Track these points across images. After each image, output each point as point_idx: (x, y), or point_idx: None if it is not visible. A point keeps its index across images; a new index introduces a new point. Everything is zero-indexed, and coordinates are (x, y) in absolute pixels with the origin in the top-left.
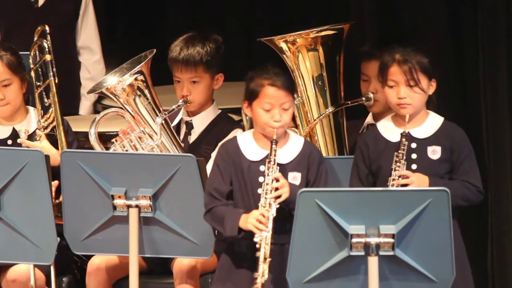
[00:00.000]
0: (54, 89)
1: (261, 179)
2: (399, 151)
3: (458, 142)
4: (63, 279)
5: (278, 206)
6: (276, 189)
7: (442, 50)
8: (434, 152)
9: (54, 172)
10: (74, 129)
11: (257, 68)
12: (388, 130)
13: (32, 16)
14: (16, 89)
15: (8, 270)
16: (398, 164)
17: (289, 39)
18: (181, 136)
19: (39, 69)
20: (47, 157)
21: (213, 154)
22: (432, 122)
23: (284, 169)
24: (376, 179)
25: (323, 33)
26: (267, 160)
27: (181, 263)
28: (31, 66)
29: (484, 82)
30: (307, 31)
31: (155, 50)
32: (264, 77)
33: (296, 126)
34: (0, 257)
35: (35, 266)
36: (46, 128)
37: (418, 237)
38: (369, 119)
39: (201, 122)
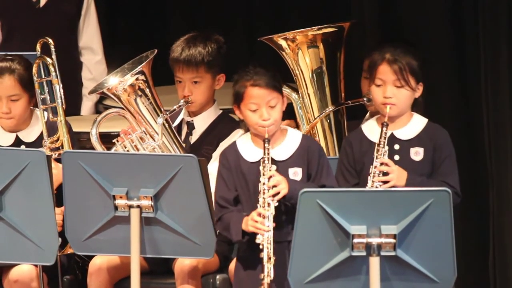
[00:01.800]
0: (63, 117)
1: (262, 178)
2: (380, 139)
3: (440, 143)
4: (65, 279)
5: (277, 204)
6: (274, 186)
7: (443, 50)
8: (417, 154)
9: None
10: (75, 129)
11: (240, 70)
12: (372, 131)
13: (33, 16)
14: (24, 105)
15: (10, 270)
16: (380, 152)
17: (289, 37)
18: (183, 136)
19: (43, 83)
20: (48, 158)
21: (214, 155)
22: (415, 124)
23: (284, 165)
24: (359, 179)
25: (323, 30)
26: (261, 159)
27: (183, 263)
28: (35, 78)
29: (486, 82)
30: (307, 29)
31: (156, 50)
32: (246, 78)
33: (298, 127)
34: (2, 258)
35: (36, 266)
36: (52, 150)
37: (419, 238)
38: (367, 118)
39: (202, 123)
